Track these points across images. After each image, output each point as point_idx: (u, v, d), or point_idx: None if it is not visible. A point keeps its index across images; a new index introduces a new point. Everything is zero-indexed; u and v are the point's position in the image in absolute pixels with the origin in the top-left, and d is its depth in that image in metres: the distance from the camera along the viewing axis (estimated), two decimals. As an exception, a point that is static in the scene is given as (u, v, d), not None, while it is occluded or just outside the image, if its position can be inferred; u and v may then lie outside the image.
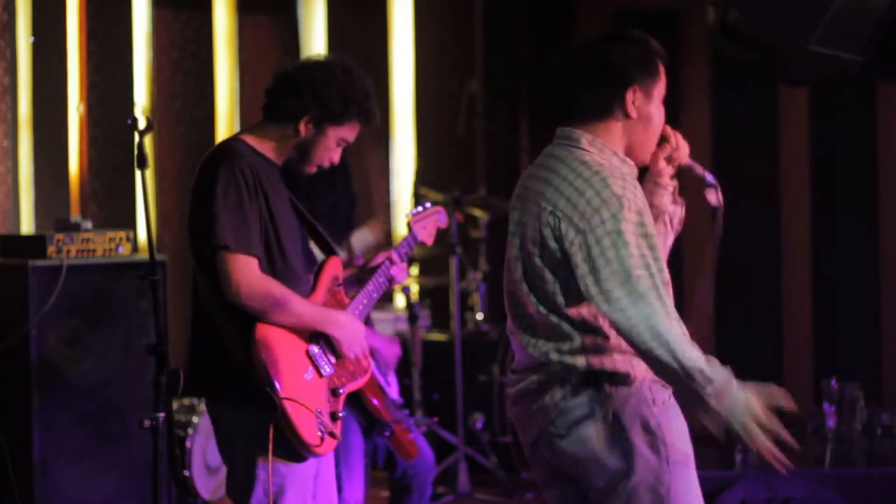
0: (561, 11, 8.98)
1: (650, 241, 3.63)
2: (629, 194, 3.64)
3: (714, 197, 3.89)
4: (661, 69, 3.81)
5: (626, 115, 3.76)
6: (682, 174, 3.93)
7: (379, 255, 4.63)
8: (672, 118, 3.87)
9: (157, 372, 3.76)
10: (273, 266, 4.12)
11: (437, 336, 7.94)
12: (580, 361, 3.68)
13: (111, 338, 5.56)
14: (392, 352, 5.57)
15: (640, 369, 3.68)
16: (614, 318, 3.58)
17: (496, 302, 8.06)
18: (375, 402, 5.40)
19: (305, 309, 4.16)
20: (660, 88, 3.80)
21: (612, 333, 3.66)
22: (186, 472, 6.02)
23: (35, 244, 5.57)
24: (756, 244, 8.19)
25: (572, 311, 3.67)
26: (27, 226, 6.60)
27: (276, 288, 4.09)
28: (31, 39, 6.60)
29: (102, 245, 5.67)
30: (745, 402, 3.62)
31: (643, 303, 3.56)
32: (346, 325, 4.26)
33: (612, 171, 3.68)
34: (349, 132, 4.27)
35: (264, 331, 4.07)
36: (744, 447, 6.14)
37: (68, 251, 5.57)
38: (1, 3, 6.48)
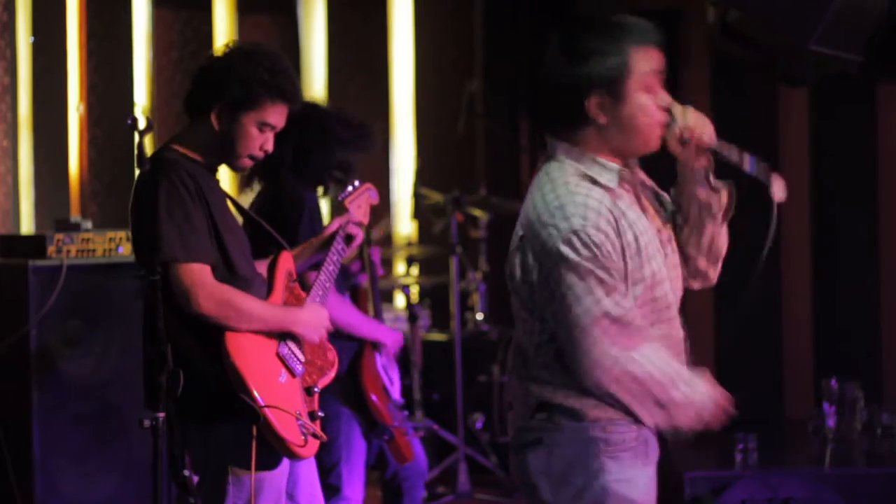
0: (561, 12, 8.98)
1: (607, 273, 3.44)
2: (588, 228, 3.44)
3: (779, 188, 3.66)
4: (638, 54, 3.52)
5: (596, 124, 3.50)
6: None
7: (329, 228, 4.56)
8: (672, 118, 3.77)
9: (157, 372, 3.76)
10: (218, 272, 4.07)
11: (437, 336, 7.94)
12: (534, 389, 3.57)
13: (111, 338, 5.56)
14: (394, 339, 5.55)
15: (590, 408, 3.52)
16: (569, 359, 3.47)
17: (496, 302, 8.06)
18: (375, 399, 5.39)
19: (266, 312, 4.12)
20: (637, 82, 3.50)
21: (565, 372, 3.52)
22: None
23: (35, 244, 5.57)
24: (756, 244, 8.18)
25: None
26: (27, 226, 6.60)
27: (233, 294, 4.04)
28: (31, 39, 6.60)
29: (102, 245, 5.67)
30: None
31: (588, 341, 3.42)
32: (308, 320, 4.21)
33: (577, 193, 3.48)
34: (267, 114, 4.14)
35: (234, 339, 4.02)
36: (744, 446, 6.15)
37: (68, 251, 5.56)
38: (1, 3, 6.49)
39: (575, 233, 3.43)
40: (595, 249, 3.43)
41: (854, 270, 8.38)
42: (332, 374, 4.31)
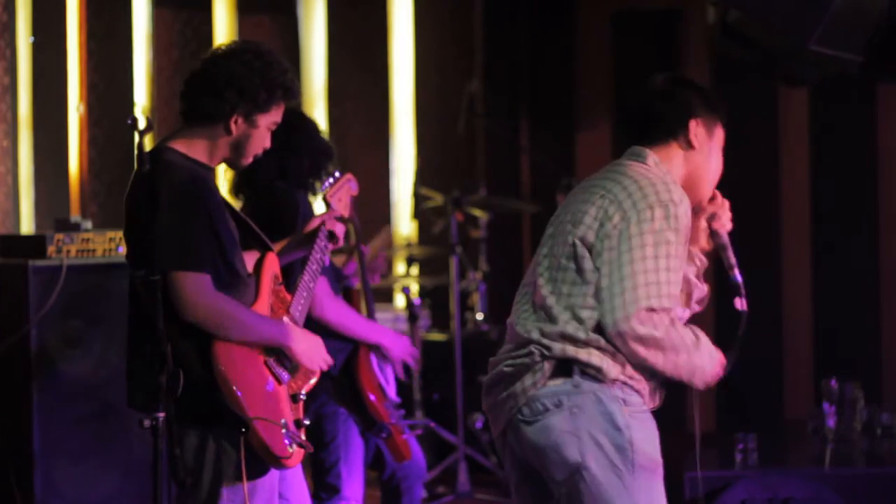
0: (561, 11, 8.98)
1: (676, 250, 3.77)
2: (684, 208, 3.80)
3: (739, 303, 4.02)
4: (720, 124, 4.05)
5: (688, 144, 3.97)
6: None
7: (312, 223, 4.52)
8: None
9: (157, 372, 3.76)
10: (219, 278, 4.04)
11: (437, 336, 7.94)
12: (557, 346, 3.73)
13: (111, 338, 5.55)
14: (401, 348, 5.55)
15: (613, 369, 3.73)
16: (609, 319, 3.71)
17: (496, 302, 8.06)
18: (373, 398, 5.39)
19: (262, 325, 4.10)
20: (719, 136, 4.04)
21: (595, 332, 3.73)
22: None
23: (35, 244, 5.57)
24: (756, 244, 8.19)
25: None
26: (27, 226, 6.60)
27: (231, 305, 4.02)
28: (31, 39, 6.60)
29: (102, 245, 5.67)
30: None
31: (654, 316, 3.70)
32: (301, 339, 4.19)
33: (677, 185, 3.88)
34: (278, 114, 4.17)
35: (223, 346, 3.99)
36: (744, 446, 6.15)
37: (68, 251, 5.56)
38: (1, 3, 6.48)
39: (673, 203, 3.77)
40: (679, 224, 3.75)
41: (854, 271, 8.38)
42: (315, 379, 4.30)
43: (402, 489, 5.64)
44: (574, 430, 3.69)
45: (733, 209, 4.07)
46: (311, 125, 5.40)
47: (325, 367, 4.28)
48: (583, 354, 3.71)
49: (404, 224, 8.68)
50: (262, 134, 4.15)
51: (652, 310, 3.67)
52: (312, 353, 4.22)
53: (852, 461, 6.39)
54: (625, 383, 3.74)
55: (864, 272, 8.36)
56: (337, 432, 5.43)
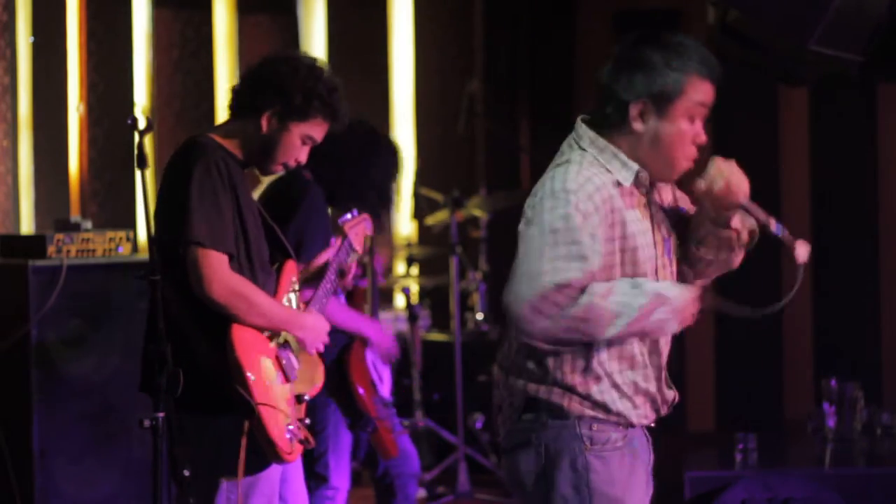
0: (561, 11, 8.99)
1: (569, 243, 3.46)
2: (579, 193, 3.46)
3: (803, 252, 3.73)
4: (695, 82, 3.51)
5: (631, 130, 3.53)
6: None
7: (320, 257, 4.56)
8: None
9: (157, 372, 3.76)
10: (239, 264, 4.09)
11: (437, 336, 7.95)
12: (520, 384, 3.59)
13: (111, 338, 5.56)
14: (388, 343, 5.57)
15: (575, 405, 3.54)
16: (507, 303, 3.46)
17: (496, 302, 8.05)
18: (362, 391, 5.40)
19: (275, 309, 4.14)
20: (684, 107, 3.52)
21: (551, 363, 3.54)
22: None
23: (35, 244, 5.57)
24: (756, 244, 8.19)
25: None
26: (27, 226, 6.60)
27: (247, 286, 4.06)
28: (31, 39, 6.60)
29: (102, 245, 5.67)
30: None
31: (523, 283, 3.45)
32: (312, 327, 4.24)
33: (583, 172, 3.50)
34: (314, 129, 4.19)
35: (239, 332, 4.02)
36: (744, 446, 6.15)
37: (68, 251, 5.56)
38: (1, 3, 6.48)
39: (564, 191, 3.46)
40: (573, 211, 3.45)
41: (854, 271, 8.38)
42: (319, 386, 4.36)
43: (395, 487, 5.65)
44: (537, 470, 3.58)
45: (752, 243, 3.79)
46: (383, 171, 5.43)
47: (321, 349, 4.32)
48: (543, 392, 3.55)
49: (404, 224, 8.68)
50: (293, 142, 4.17)
51: (544, 298, 3.42)
52: (315, 338, 4.26)
53: (852, 461, 6.39)
54: (593, 418, 3.55)
55: (864, 272, 8.37)
56: (327, 422, 5.45)
